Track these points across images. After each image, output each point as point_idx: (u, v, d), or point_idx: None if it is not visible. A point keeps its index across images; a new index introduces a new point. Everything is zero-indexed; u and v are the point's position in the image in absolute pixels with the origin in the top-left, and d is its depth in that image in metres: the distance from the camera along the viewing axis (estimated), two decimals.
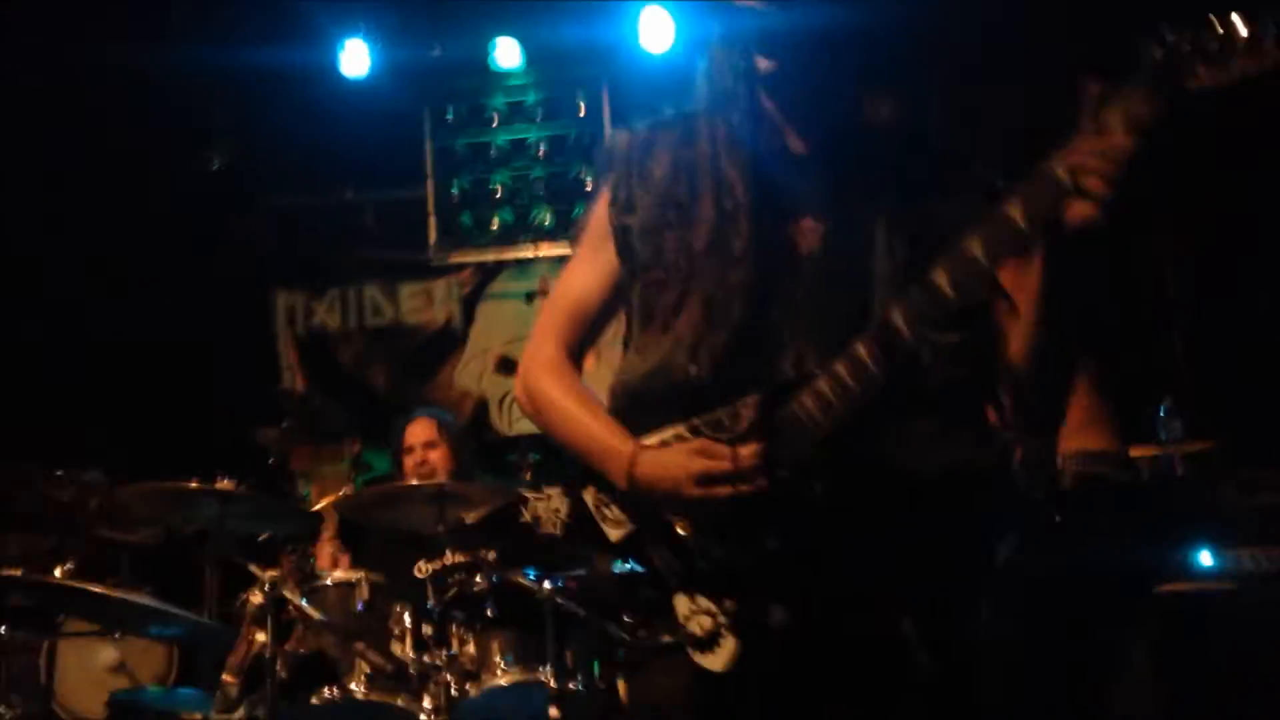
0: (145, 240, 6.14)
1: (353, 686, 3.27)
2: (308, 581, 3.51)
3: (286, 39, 5.95)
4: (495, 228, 6.37)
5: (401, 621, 3.37)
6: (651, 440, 1.76)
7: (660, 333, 1.78)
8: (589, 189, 6.30)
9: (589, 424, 1.82)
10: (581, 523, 1.84)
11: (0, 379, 6.07)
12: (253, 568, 3.22)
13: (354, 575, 3.43)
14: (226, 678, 3.19)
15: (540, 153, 6.34)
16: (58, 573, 3.64)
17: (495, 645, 3.42)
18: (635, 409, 1.80)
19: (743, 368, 1.71)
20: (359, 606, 3.38)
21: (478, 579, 3.54)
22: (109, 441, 5.54)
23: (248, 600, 3.23)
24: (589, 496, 1.82)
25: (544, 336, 1.95)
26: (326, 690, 3.26)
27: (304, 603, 3.15)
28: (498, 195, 6.35)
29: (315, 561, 4.23)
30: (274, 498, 3.62)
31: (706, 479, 1.67)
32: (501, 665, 3.37)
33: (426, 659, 3.28)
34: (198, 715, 3.84)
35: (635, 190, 1.86)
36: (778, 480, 1.65)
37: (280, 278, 6.70)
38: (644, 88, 6.17)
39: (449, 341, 6.62)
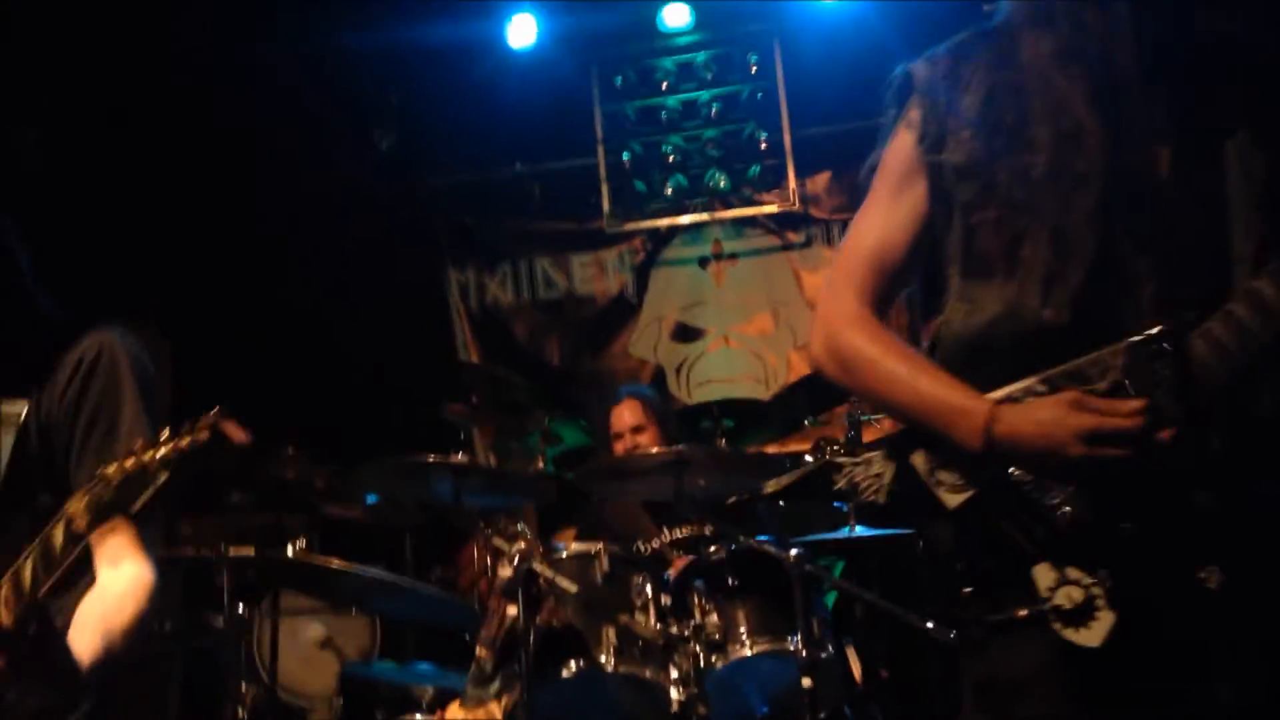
0: (318, 222, 6.20)
1: (602, 659, 3.20)
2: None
3: (451, 14, 5.92)
4: (669, 193, 6.26)
5: (644, 593, 3.30)
6: (998, 396, 1.59)
7: (997, 277, 1.62)
8: (763, 147, 6.16)
9: (925, 382, 1.63)
10: (911, 489, 1.68)
11: (192, 359, 6.23)
12: (498, 541, 3.17)
13: (592, 546, 3.36)
14: (480, 652, 3.16)
15: (712, 114, 6.20)
16: (290, 550, 3.65)
17: (740, 615, 3.32)
18: (969, 363, 1.63)
19: (1103, 309, 1.55)
20: (599, 578, 3.31)
21: (712, 550, 3.47)
22: (296, 421, 5.60)
23: (495, 573, 3.19)
24: (919, 461, 1.66)
25: (842, 290, 1.77)
26: (575, 663, 3.20)
27: (555, 575, 3.09)
28: (670, 159, 6.23)
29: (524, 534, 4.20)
30: (508, 471, 3.56)
31: (1094, 437, 1.49)
32: (746, 635, 3.27)
33: (674, 630, 3.20)
34: (429, 689, 3.85)
35: (948, 124, 1.69)
36: (1170, 438, 1.48)
37: (452, 255, 6.71)
38: (817, 40, 6.01)
39: (623, 311, 6.55)
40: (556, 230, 6.62)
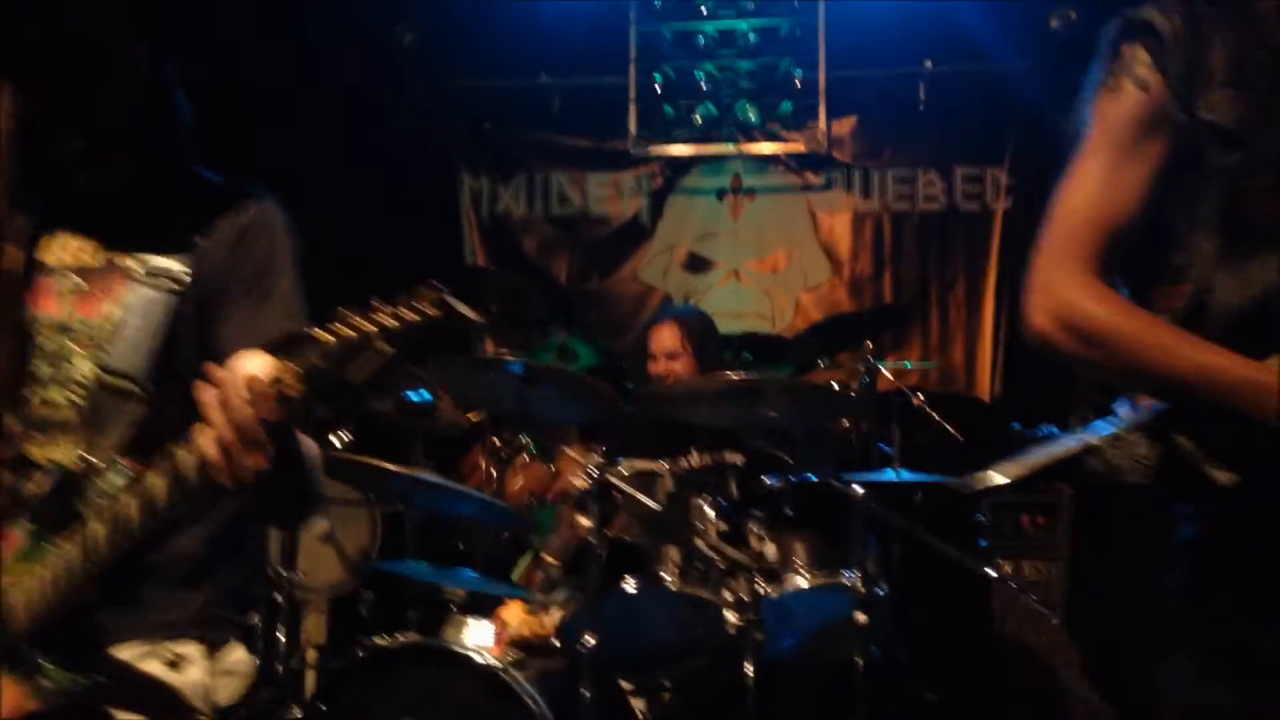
0: (333, 111, 6.04)
1: (665, 577, 3.22)
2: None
3: None
4: (697, 120, 6.20)
5: (704, 516, 3.31)
6: None
7: (1269, 247, 1.54)
8: (797, 85, 6.11)
9: (1205, 354, 1.52)
10: (1178, 468, 1.59)
11: None
12: (570, 451, 3.15)
13: (656, 466, 3.35)
14: (549, 559, 3.15)
15: (749, 44, 6.13)
16: (336, 443, 3.59)
17: (797, 547, 3.35)
18: (1240, 338, 1.53)
19: None
20: (661, 498, 3.31)
21: (767, 480, 3.49)
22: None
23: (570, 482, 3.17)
24: (1185, 441, 1.57)
25: (1061, 257, 1.62)
26: (638, 578, 3.21)
27: (631, 490, 3.08)
28: (702, 87, 6.17)
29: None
30: (578, 379, 3.51)
31: None
32: (803, 567, 3.30)
33: (734, 554, 3.22)
34: (460, 593, 3.82)
35: (1196, 80, 1.59)
36: None
37: (466, 159, 6.60)
38: None
39: (636, 235, 6.51)
40: (576, 147, 6.54)
